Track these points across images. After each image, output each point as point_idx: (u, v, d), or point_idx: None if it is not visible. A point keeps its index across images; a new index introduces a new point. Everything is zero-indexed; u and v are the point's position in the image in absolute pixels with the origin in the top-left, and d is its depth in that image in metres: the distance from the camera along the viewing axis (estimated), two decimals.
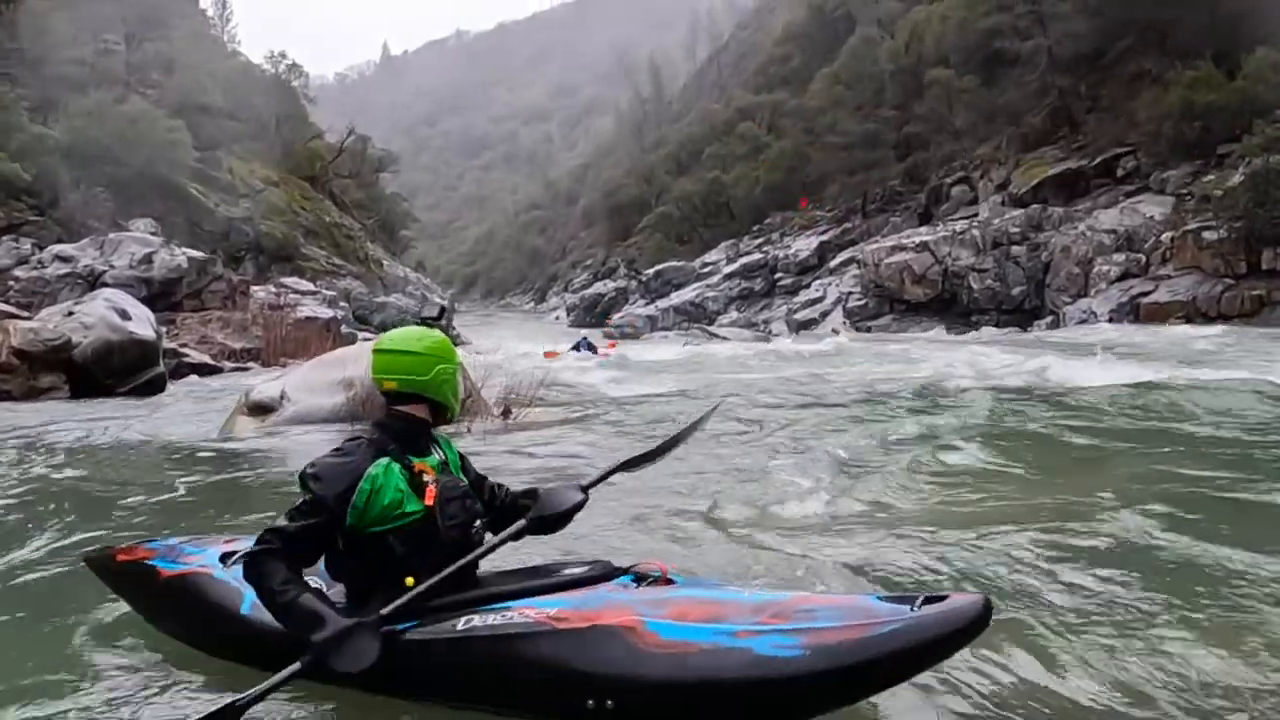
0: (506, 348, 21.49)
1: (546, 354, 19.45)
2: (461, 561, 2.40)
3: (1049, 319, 24.39)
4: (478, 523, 2.56)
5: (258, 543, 2.41)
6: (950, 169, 34.81)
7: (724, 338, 27.24)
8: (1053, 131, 31.56)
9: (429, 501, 2.45)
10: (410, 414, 2.58)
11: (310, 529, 2.40)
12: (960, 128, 35.45)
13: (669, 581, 2.37)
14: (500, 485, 2.78)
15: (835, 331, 26.68)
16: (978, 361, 13.36)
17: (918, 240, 27.95)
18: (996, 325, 25.15)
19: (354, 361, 7.74)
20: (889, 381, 10.75)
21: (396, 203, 62.57)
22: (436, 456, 2.61)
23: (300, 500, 2.43)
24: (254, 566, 2.38)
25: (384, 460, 2.46)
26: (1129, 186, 26.77)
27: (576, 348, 20.06)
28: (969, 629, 1.83)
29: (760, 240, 42.24)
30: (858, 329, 27.45)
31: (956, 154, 35.14)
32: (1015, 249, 26.27)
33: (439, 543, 2.47)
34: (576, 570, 2.44)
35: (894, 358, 15.53)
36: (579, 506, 2.48)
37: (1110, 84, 30.39)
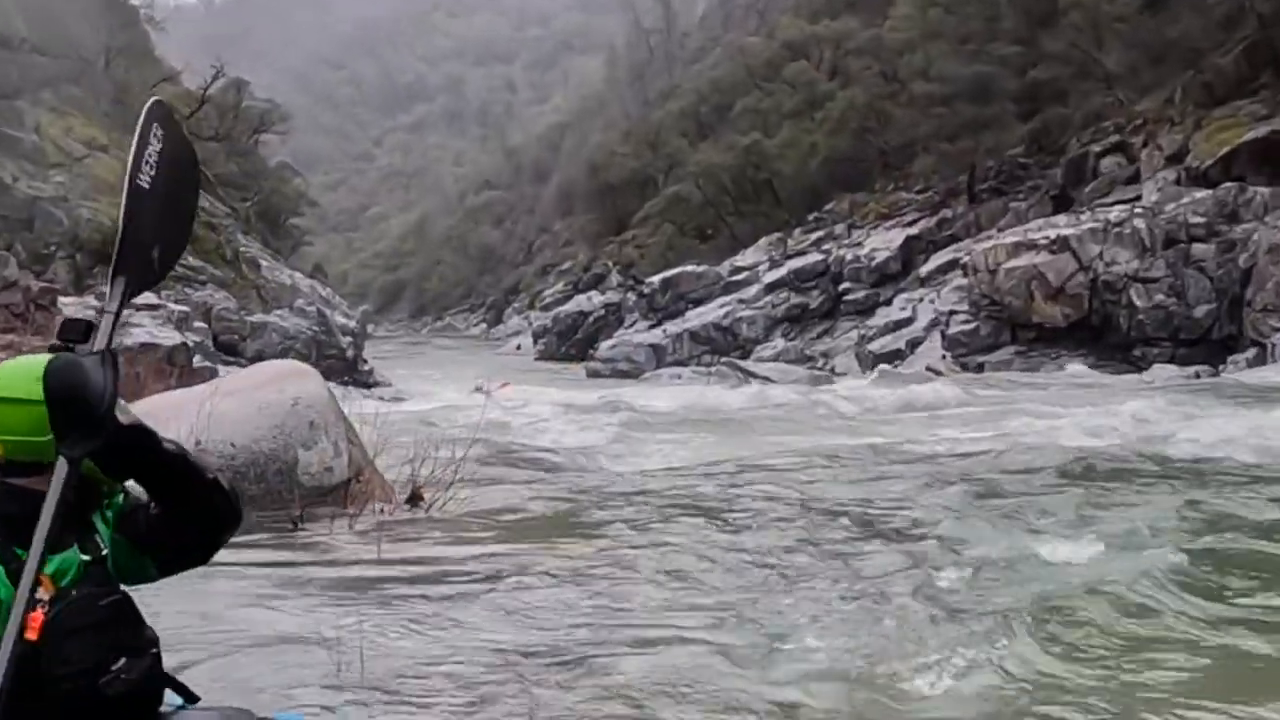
0: (438, 394, 21.77)
1: (501, 386, 19.31)
2: None
3: (1251, 352, 24.09)
4: (121, 664, 2.41)
5: None
6: (1099, 132, 34.78)
7: (765, 378, 26.94)
8: (1249, 78, 31.55)
9: (32, 635, 2.29)
10: (26, 488, 2.43)
11: None
12: (1113, 72, 35.42)
13: None
14: None
15: (932, 371, 26.30)
16: (1167, 423, 13.20)
17: (1052, 235, 27.76)
18: (1172, 361, 24.91)
19: (195, 412, 7.57)
20: (1036, 453, 10.59)
21: (285, 179, 62.88)
22: (78, 555, 2.45)
23: None
24: None
25: None
26: None
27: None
28: None
29: (818, 235, 42.13)
30: (964, 366, 27.32)
31: (1107, 110, 35.10)
32: (1198, 248, 26.09)
33: (48, 701, 2.33)
34: None
35: (1029, 411, 15.48)
36: (98, 382, 2.30)
37: None
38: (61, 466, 2.34)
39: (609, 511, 8.07)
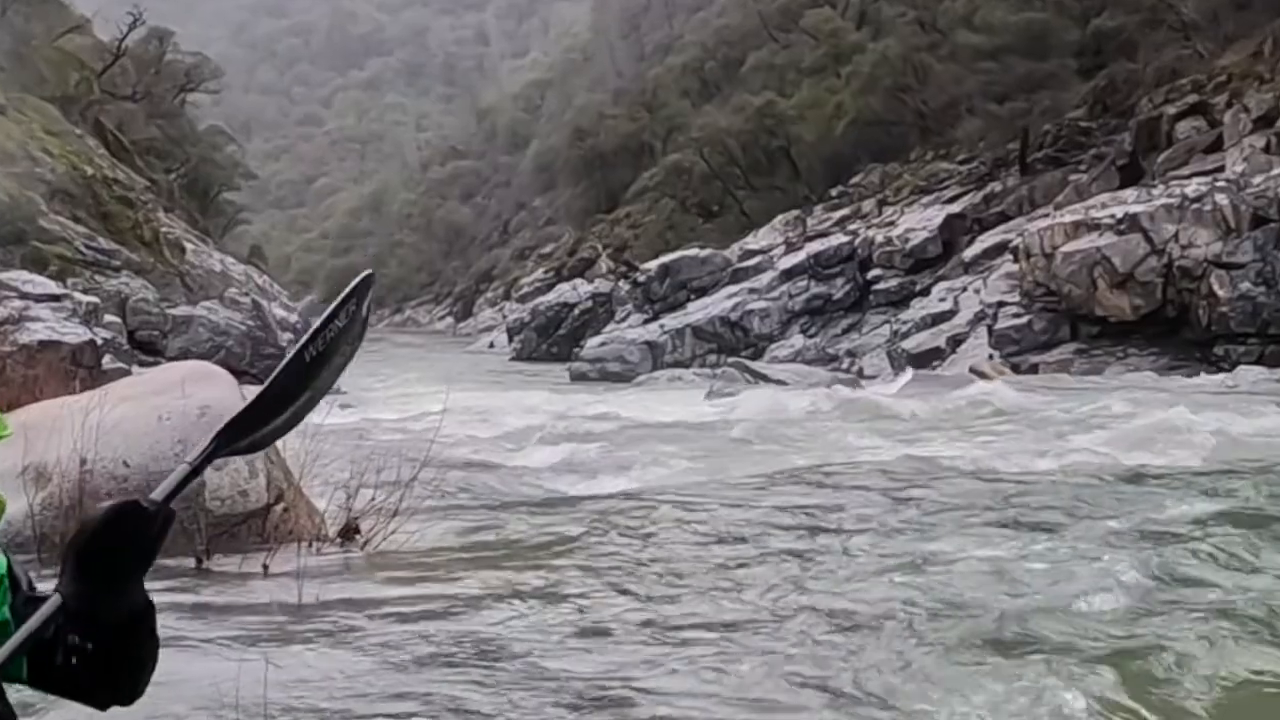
0: (392, 402, 22.07)
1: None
2: None
3: None
4: None
5: None
6: (1175, 91, 34.74)
7: (780, 382, 26.84)
8: None
9: None
10: None
11: None
12: (1190, 19, 35.37)
13: None
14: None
15: (977, 373, 26.20)
16: (1257, 439, 13.26)
17: (1119, 213, 27.74)
18: (1260, 361, 24.84)
19: (79, 424, 7.32)
20: (1099, 476, 10.54)
21: (217, 145, 62.82)
22: None
23: None
24: None
25: None
26: None
27: None
28: None
29: (843, 213, 42.06)
30: (1015, 367, 27.23)
31: (1184, 65, 35.02)
32: None
33: None
34: None
35: (1091, 421, 15.49)
36: (146, 543, 2.22)
37: None
38: (54, 602, 2.24)
39: (582, 547, 7.97)
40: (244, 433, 2.44)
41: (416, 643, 5.71)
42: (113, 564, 2.25)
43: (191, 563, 7.12)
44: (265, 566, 7.09)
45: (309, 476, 8.14)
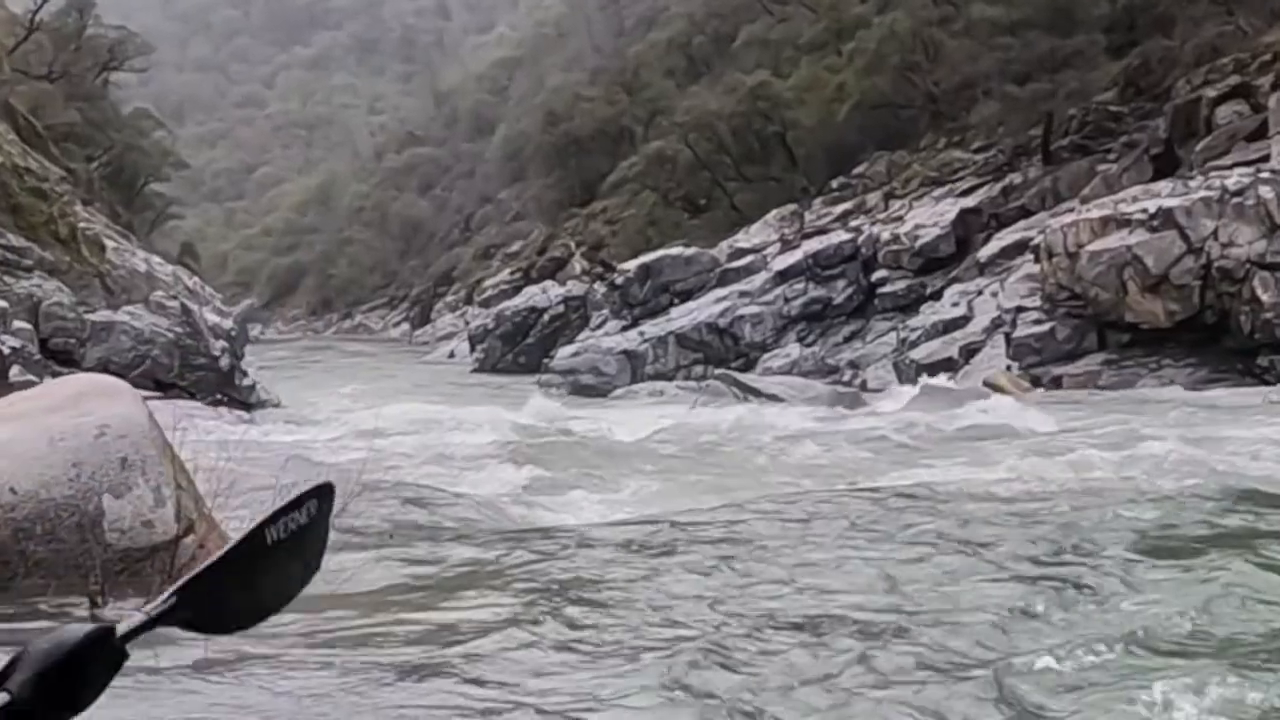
0: (335, 418, 22.16)
1: None
2: None
3: None
4: None
5: None
6: (1215, 71, 34.82)
7: (773, 396, 26.88)
8: None
9: None
10: None
11: None
12: None
13: None
14: None
15: (993, 387, 26.28)
16: None
17: (1152, 207, 27.73)
18: None
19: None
20: (1131, 504, 10.28)
21: (144, 131, 62.73)
22: None
23: None
24: None
25: None
26: None
27: None
28: None
29: (845, 207, 42.21)
30: (1036, 380, 27.35)
31: (1226, 42, 35.16)
32: None
33: None
34: None
35: (1120, 441, 15.55)
36: (89, 685, 2.15)
37: None
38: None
39: (534, 582, 7.89)
40: (197, 600, 2.43)
41: (340, 694, 5.61)
42: (76, 689, 2.29)
43: (84, 607, 6.94)
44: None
45: (226, 503, 7.97)
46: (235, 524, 8.09)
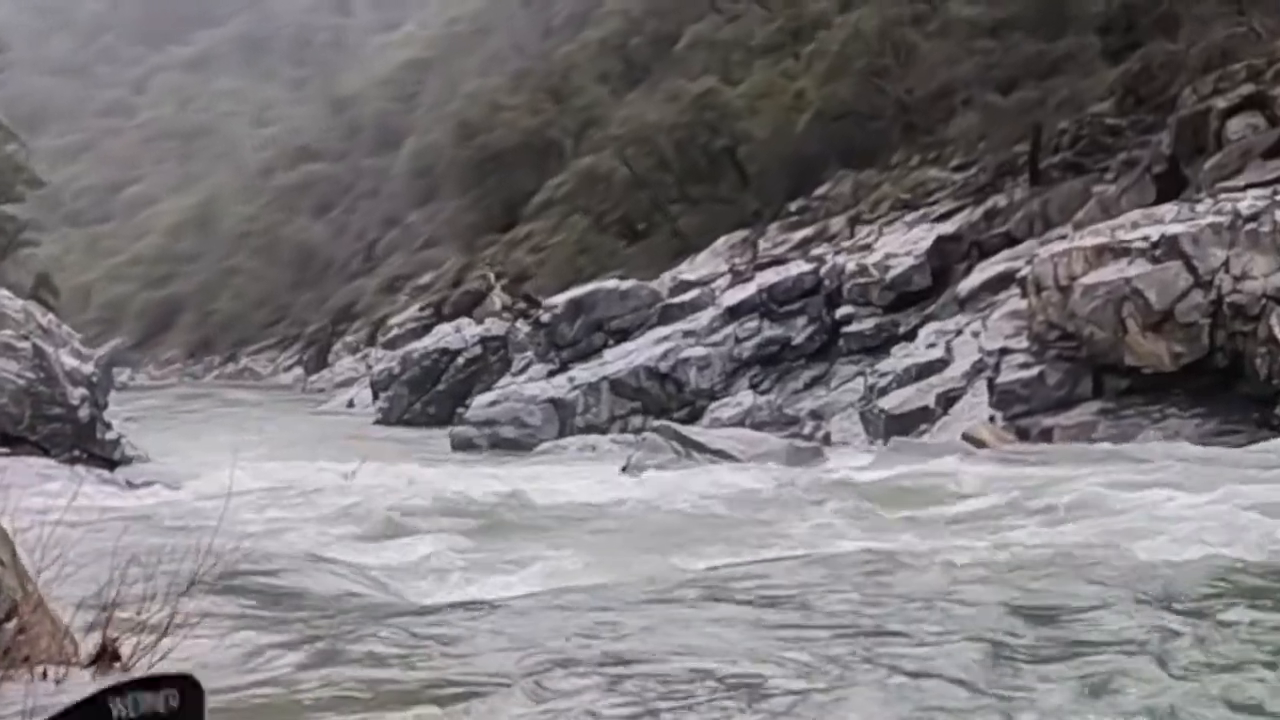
0: (208, 476, 21.91)
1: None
2: None
3: None
4: None
5: None
6: (1225, 79, 35.15)
7: (719, 452, 26.93)
8: None
9: None
10: None
11: None
12: None
13: None
14: None
15: (973, 441, 26.51)
16: None
17: (1154, 234, 28.03)
18: None
19: None
20: (1133, 578, 10.53)
21: None
22: None
23: None
24: None
25: None
26: None
27: None
28: None
29: (804, 233, 42.41)
30: (1023, 433, 27.51)
31: (1237, 46, 35.56)
32: None
33: None
34: None
35: (1120, 505, 15.72)
36: None
37: None
38: None
39: (418, 675, 8.03)
40: None
41: None
42: None
43: None
44: None
45: (57, 580, 8.02)
46: (70, 601, 8.14)
